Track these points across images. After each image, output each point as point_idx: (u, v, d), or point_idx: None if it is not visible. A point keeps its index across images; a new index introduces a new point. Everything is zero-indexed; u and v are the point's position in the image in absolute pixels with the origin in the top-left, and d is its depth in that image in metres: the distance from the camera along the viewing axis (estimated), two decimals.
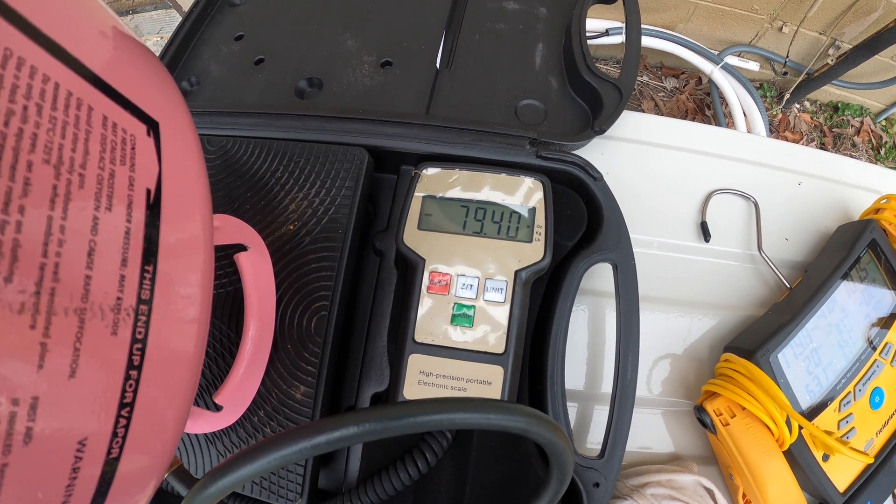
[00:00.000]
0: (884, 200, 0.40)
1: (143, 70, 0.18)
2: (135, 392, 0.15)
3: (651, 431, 0.38)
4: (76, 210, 0.13)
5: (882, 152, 1.39)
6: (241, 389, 0.32)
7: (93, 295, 0.13)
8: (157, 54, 0.57)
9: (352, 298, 0.36)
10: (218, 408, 0.32)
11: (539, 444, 0.21)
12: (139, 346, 0.15)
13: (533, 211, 0.32)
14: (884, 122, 1.43)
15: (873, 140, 1.40)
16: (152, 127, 0.16)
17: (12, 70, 0.11)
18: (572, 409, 0.37)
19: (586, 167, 0.35)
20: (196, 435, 0.33)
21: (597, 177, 0.35)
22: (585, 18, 0.46)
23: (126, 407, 0.15)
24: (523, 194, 0.32)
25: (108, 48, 0.16)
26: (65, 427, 0.13)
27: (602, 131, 0.38)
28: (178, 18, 1.46)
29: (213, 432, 0.33)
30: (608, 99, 0.40)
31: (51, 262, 0.12)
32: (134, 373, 0.15)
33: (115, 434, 0.14)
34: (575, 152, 0.38)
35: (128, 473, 0.16)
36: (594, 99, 0.40)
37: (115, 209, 0.14)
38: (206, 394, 0.33)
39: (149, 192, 0.16)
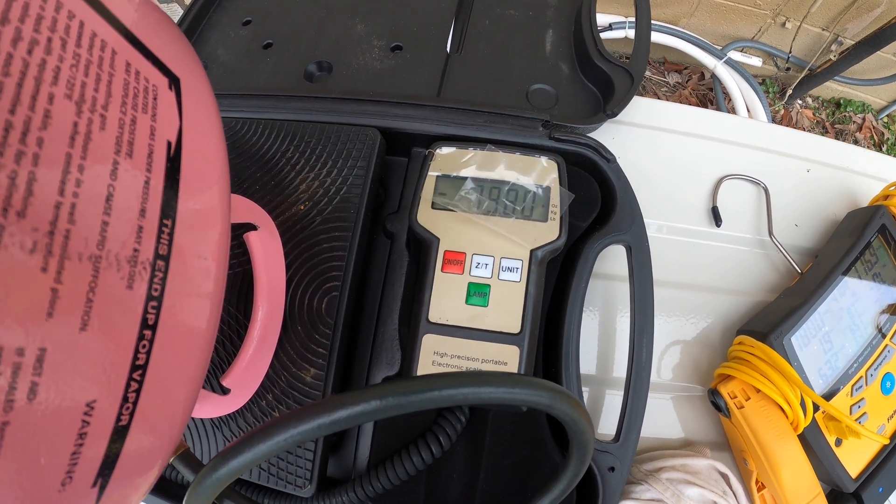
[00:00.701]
0: (893, 187, 0.40)
1: (165, 29, 0.17)
2: (148, 354, 0.15)
3: (663, 417, 0.37)
4: (96, 150, 0.12)
5: (884, 149, 1.40)
6: (249, 372, 0.31)
7: (109, 242, 0.13)
8: None
9: (363, 280, 0.35)
10: (225, 391, 0.31)
11: (560, 423, 0.20)
12: (154, 304, 0.14)
13: (548, 190, 0.31)
14: (886, 119, 1.43)
15: (875, 136, 1.40)
16: (174, 81, 0.16)
17: (38, 1, 0.11)
18: (585, 394, 0.37)
19: (599, 149, 0.35)
20: (202, 420, 0.33)
21: (610, 159, 0.35)
22: (595, 4, 0.45)
23: (138, 370, 0.14)
24: (538, 174, 0.32)
25: (140, 5, 0.15)
26: (73, 385, 0.12)
27: (614, 115, 0.38)
28: (181, 11, 1.45)
29: (220, 417, 0.33)
30: (619, 83, 0.39)
31: (67, 203, 0.11)
32: (148, 332, 0.14)
33: (125, 399, 0.14)
34: (587, 136, 0.38)
35: (135, 448, 0.15)
36: (605, 83, 0.40)
37: (136, 156, 0.14)
38: (213, 377, 0.33)
39: (169, 144, 0.15)
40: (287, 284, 0.33)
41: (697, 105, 1.38)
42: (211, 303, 0.20)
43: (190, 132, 0.17)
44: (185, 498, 0.19)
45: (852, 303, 0.37)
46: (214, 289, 0.20)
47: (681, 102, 1.38)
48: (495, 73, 0.42)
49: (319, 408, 0.17)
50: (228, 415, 0.32)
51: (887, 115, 1.42)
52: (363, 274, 0.35)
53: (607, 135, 0.41)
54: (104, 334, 0.13)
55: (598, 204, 0.35)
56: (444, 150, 0.33)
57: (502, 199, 0.31)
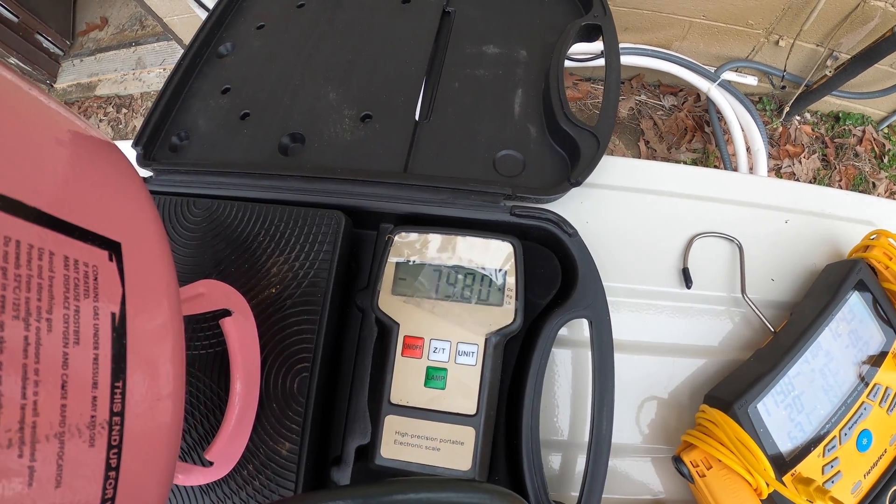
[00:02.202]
0: (873, 237, 0.39)
1: (104, 181, 0.19)
2: (115, 488, 0.17)
3: (634, 478, 0.38)
4: (47, 353, 0.14)
5: (885, 160, 1.38)
6: (230, 446, 0.33)
7: (69, 419, 0.15)
8: (161, 85, 0.59)
9: (335, 356, 0.37)
10: (209, 463, 0.33)
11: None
12: (115, 451, 0.17)
13: (504, 274, 0.32)
14: (886, 130, 1.42)
15: (876, 148, 1.39)
16: (114, 250, 0.18)
17: None
18: (556, 458, 0.37)
19: (560, 223, 0.36)
20: (191, 487, 0.35)
21: (571, 233, 0.36)
22: (564, 63, 0.46)
23: (108, 501, 0.16)
24: (494, 257, 0.33)
25: (66, 178, 0.17)
26: None
27: (578, 183, 0.38)
28: (180, 51, 1.50)
29: (206, 484, 0.34)
30: (585, 148, 0.40)
31: (30, 402, 0.14)
32: (112, 473, 0.17)
33: None
34: (554, 203, 0.39)
35: None
36: (572, 147, 0.41)
37: (83, 341, 0.16)
38: (199, 448, 0.34)
39: (113, 315, 0.17)
40: (262, 364, 0.34)
41: (694, 127, 1.38)
42: (173, 401, 0.22)
43: (133, 288, 0.19)
44: None
45: (826, 363, 0.37)
46: (175, 387, 0.22)
47: (677, 125, 1.39)
48: (463, 140, 0.43)
49: None
50: (214, 482, 0.34)
51: (888, 126, 1.41)
52: (335, 350, 0.36)
53: (575, 200, 0.42)
54: (75, 485, 0.15)
55: (559, 281, 0.36)
56: (404, 237, 0.34)
57: (459, 284, 0.32)
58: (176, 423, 0.22)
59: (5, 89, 0.16)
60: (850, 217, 0.46)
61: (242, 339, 0.33)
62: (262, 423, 0.34)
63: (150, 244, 0.20)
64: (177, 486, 0.35)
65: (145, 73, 1.66)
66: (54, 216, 0.15)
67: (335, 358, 0.37)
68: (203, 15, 1.18)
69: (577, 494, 0.36)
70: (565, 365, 0.38)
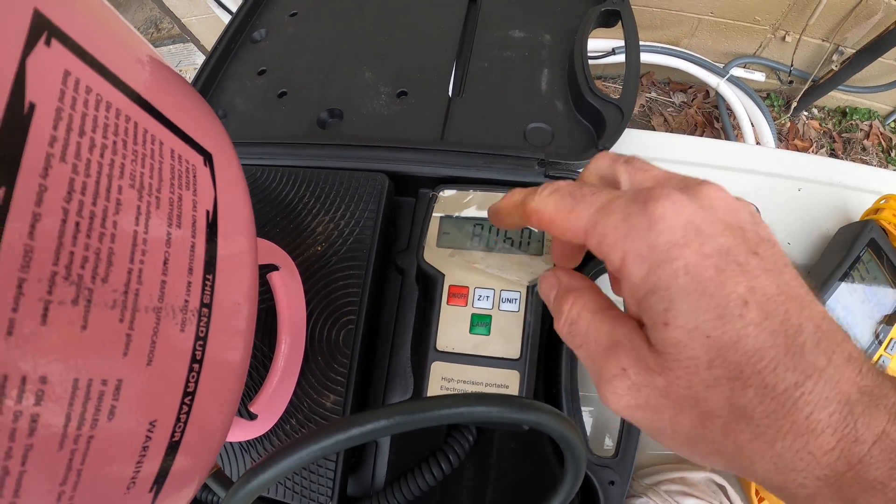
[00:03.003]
0: (883, 201, 0.41)
1: (195, 107, 0.21)
2: (196, 383, 0.18)
3: None
4: (154, 226, 0.16)
5: (893, 154, 1.39)
6: (274, 399, 0.34)
7: (167, 297, 0.16)
8: None
9: (377, 313, 0.38)
10: (253, 416, 0.34)
11: (554, 440, 0.23)
12: (201, 343, 0.18)
13: None
14: (893, 124, 1.43)
15: (883, 143, 1.40)
16: (208, 158, 0.19)
17: (103, 111, 0.14)
18: (588, 413, 0.39)
19: None
20: (232, 444, 0.36)
21: None
22: (587, 43, 0.48)
23: (188, 395, 0.17)
24: None
25: (169, 88, 0.19)
26: (140, 408, 0.15)
27: (606, 149, 0.40)
28: (196, 52, 1.54)
29: (248, 441, 0.36)
30: (611, 119, 0.42)
31: (136, 268, 0.15)
32: (196, 366, 0.18)
33: (178, 419, 0.17)
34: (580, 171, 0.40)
35: (182, 464, 0.19)
36: (598, 119, 0.43)
37: (184, 226, 0.17)
38: (241, 404, 0.36)
39: (208, 213, 0.19)
40: (307, 318, 0.36)
41: (704, 123, 1.40)
42: (244, 339, 0.23)
43: (223, 198, 0.20)
44: None
45: (844, 316, 0.38)
46: (247, 326, 0.24)
47: (687, 122, 1.41)
48: (494, 114, 0.45)
49: (336, 426, 0.20)
50: (255, 438, 0.35)
51: (894, 121, 1.42)
52: (377, 307, 0.38)
53: None
54: (164, 368, 0.16)
55: None
56: (447, 193, 0.36)
57: (501, 236, 0.34)
58: (243, 365, 0.23)
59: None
60: (861, 187, 0.47)
61: (289, 292, 0.35)
62: (307, 376, 0.35)
63: (234, 169, 0.22)
64: None
65: None
66: (162, 112, 0.17)
67: (377, 314, 0.38)
68: (222, 15, 1.21)
69: (609, 449, 0.38)
70: None
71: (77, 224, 0.13)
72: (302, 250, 0.37)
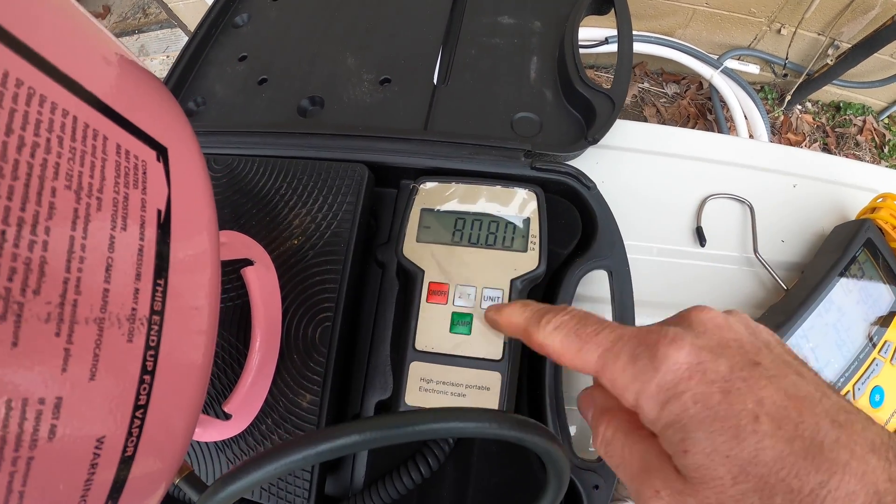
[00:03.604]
0: (880, 199, 0.40)
1: (152, 97, 0.19)
2: (148, 395, 0.17)
3: None
4: (95, 230, 0.14)
5: (886, 150, 1.39)
6: (249, 398, 0.33)
7: (111, 306, 0.15)
8: (165, 73, 0.60)
9: (355, 309, 0.37)
10: (227, 416, 0.33)
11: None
12: (152, 352, 0.17)
13: (527, 221, 0.33)
14: (886, 120, 1.43)
15: (876, 139, 1.40)
16: (161, 153, 0.18)
17: (35, 106, 0.13)
18: (575, 414, 0.38)
19: (579, 177, 0.36)
20: (206, 443, 0.35)
21: (590, 186, 0.36)
22: (578, 31, 0.47)
23: (140, 409, 0.16)
24: (518, 205, 0.33)
25: (119, 79, 0.17)
26: (85, 425, 0.14)
27: (595, 141, 0.39)
28: (184, 37, 1.50)
29: (223, 440, 0.34)
30: (601, 109, 0.41)
31: (73, 277, 0.13)
32: (147, 377, 0.17)
33: (129, 434, 0.16)
34: (570, 162, 0.39)
35: (141, 473, 0.17)
36: (587, 109, 0.42)
37: (130, 228, 0.16)
38: (216, 403, 0.34)
39: (159, 212, 0.17)
40: (283, 315, 0.34)
41: (696, 114, 1.38)
42: (206, 337, 0.22)
43: (178, 195, 0.19)
44: None
45: (838, 318, 0.37)
46: (209, 325, 0.22)
47: (679, 113, 1.40)
48: (481, 103, 0.43)
49: (306, 440, 0.18)
50: (231, 438, 0.34)
51: (888, 117, 1.42)
52: (356, 303, 0.37)
53: (591, 160, 0.43)
54: (109, 382, 0.15)
55: (580, 231, 0.36)
56: (428, 185, 0.35)
57: (483, 231, 0.32)
58: (206, 364, 0.22)
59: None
60: (857, 184, 0.46)
61: (264, 288, 0.33)
62: (283, 375, 0.34)
63: (194, 163, 0.20)
64: (195, 442, 0.35)
65: (148, 60, 1.65)
66: (109, 105, 0.15)
67: (356, 311, 0.37)
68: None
69: (594, 451, 0.37)
70: None
71: (2, 233, 0.11)
72: (278, 244, 0.35)
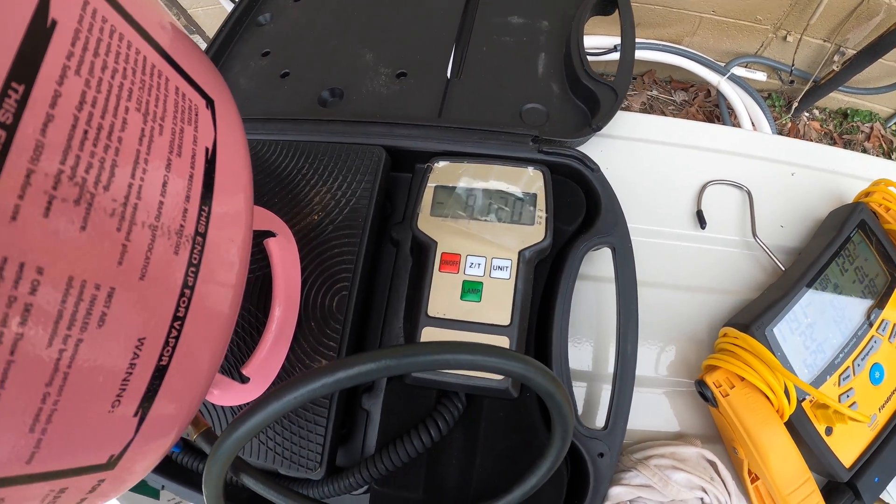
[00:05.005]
0: (873, 185, 0.42)
1: (201, 59, 0.22)
2: (186, 309, 0.19)
3: (656, 410, 0.40)
4: (156, 148, 0.17)
5: (893, 156, 1.39)
6: (267, 362, 0.35)
7: (163, 217, 0.17)
8: None
9: (370, 283, 0.39)
10: (245, 379, 0.34)
11: (540, 396, 0.23)
12: (193, 269, 0.19)
13: (534, 197, 0.35)
14: (894, 127, 1.43)
15: (884, 145, 1.40)
16: (210, 102, 0.20)
17: (116, 40, 0.15)
18: (581, 389, 0.39)
19: (584, 159, 0.38)
20: (223, 409, 0.36)
21: (594, 168, 0.38)
22: (583, 28, 0.49)
23: (178, 320, 0.18)
24: (525, 182, 0.35)
25: (176, 36, 0.20)
26: (131, 321, 0.16)
27: (599, 128, 0.41)
28: (203, 43, 1.55)
29: (240, 406, 0.36)
30: (605, 99, 0.43)
31: (136, 184, 0.16)
32: (188, 292, 0.18)
33: (166, 343, 0.18)
34: (575, 149, 0.41)
35: (169, 394, 0.19)
36: (592, 100, 0.44)
37: (184, 155, 0.18)
38: (234, 368, 0.36)
39: (207, 150, 0.19)
40: (302, 285, 0.36)
41: (704, 121, 1.40)
42: (234, 293, 0.24)
43: (222, 144, 0.21)
44: (208, 457, 0.23)
45: (835, 296, 0.39)
46: (237, 280, 0.24)
47: (688, 119, 1.41)
48: (491, 95, 0.45)
49: (324, 370, 0.20)
50: (247, 404, 0.36)
51: (895, 123, 1.42)
52: (371, 278, 0.39)
53: (595, 148, 0.45)
54: (156, 285, 0.17)
55: (584, 210, 0.38)
56: (441, 164, 0.37)
57: (493, 206, 0.34)
58: (231, 316, 0.24)
59: None
60: (853, 173, 0.48)
61: (284, 259, 0.35)
62: (300, 341, 0.35)
63: (235, 123, 0.23)
64: (212, 406, 0.36)
65: None
66: (169, 54, 0.18)
67: (371, 285, 0.39)
68: (227, 5, 1.23)
69: (600, 424, 0.38)
70: (588, 299, 0.40)
71: (85, 132, 0.14)
72: (299, 219, 0.38)
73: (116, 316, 0.15)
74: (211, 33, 1.41)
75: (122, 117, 0.15)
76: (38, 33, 0.12)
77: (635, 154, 0.46)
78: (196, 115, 0.19)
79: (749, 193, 0.44)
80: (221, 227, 0.20)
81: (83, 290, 0.13)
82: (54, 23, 0.13)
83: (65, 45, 0.13)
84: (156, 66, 0.17)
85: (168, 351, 0.18)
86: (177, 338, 0.18)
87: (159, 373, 0.18)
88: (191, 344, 0.19)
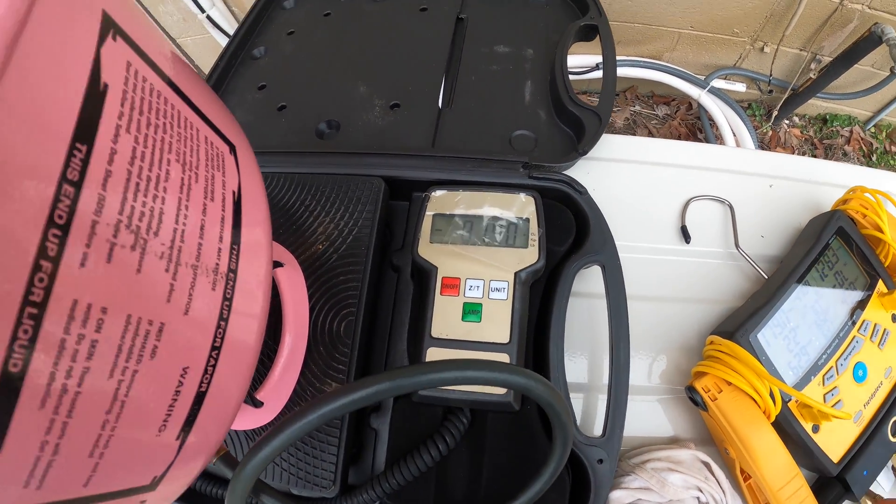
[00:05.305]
0: (850, 192, 0.44)
1: (218, 104, 0.24)
2: (222, 339, 0.20)
3: (650, 417, 0.41)
4: (194, 196, 0.19)
5: (874, 158, 1.43)
6: (279, 386, 0.36)
7: (202, 257, 0.19)
8: None
9: (374, 308, 0.41)
10: (259, 403, 0.36)
11: (540, 406, 0.25)
12: (227, 303, 0.21)
13: (527, 221, 0.37)
14: (873, 129, 1.48)
15: (864, 147, 1.44)
16: (232, 148, 0.22)
17: (155, 97, 0.17)
18: (578, 400, 0.41)
19: (572, 183, 0.40)
20: (237, 433, 0.38)
21: (582, 191, 0.40)
22: (566, 56, 0.52)
23: (216, 350, 0.20)
24: (518, 208, 0.37)
25: (198, 87, 0.22)
26: (177, 352, 0.18)
27: (585, 152, 0.43)
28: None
29: (254, 430, 0.38)
30: (589, 124, 0.45)
31: (180, 228, 0.17)
32: (223, 323, 0.20)
33: (206, 370, 0.19)
34: (563, 173, 0.43)
35: (205, 420, 0.21)
36: (577, 125, 0.46)
37: (216, 200, 0.20)
38: (248, 393, 0.38)
39: (234, 193, 0.22)
40: (310, 312, 0.38)
41: (687, 134, 1.44)
42: (259, 323, 0.26)
43: (245, 185, 0.23)
44: (232, 479, 0.24)
45: (816, 300, 0.41)
46: (261, 311, 0.26)
47: (671, 133, 1.45)
48: (482, 123, 0.48)
49: (338, 393, 0.22)
50: (261, 427, 0.37)
51: (874, 125, 1.47)
52: (374, 302, 0.40)
53: (582, 170, 0.47)
54: (198, 319, 0.19)
55: (574, 231, 0.40)
56: (438, 193, 0.39)
57: (489, 231, 0.37)
58: (256, 346, 0.26)
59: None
60: (830, 182, 0.50)
61: (292, 286, 0.37)
62: (310, 365, 0.37)
63: (253, 165, 0.25)
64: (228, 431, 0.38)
65: None
66: (196, 104, 0.20)
67: (375, 310, 0.41)
68: (217, 36, 1.25)
69: (598, 432, 0.40)
70: (582, 315, 0.42)
71: (137, 184, 0.15)
72: (304, 249, 0.40)
73: (166, 348, 0.17)
74: (200, 62, 1.44)
75: (166, 169, 0.17)
76: (94, 97, 0.14)
77: (620, 174, 0.48)
78: (223, 161, 0.21)
79: (731, 207, 0.47)
80: (249, 262, 0.22)
81: (139, 326, 0.15)
82: (106, 86, 0.15)
83: (116, 106, 0.15)
84: (188, 118, 0.19)
85: (207, 378, 0.20)
86: (214, 366, 0.20)
87: (199, 398, 0.19)
88: (225, 371, 0.21)
